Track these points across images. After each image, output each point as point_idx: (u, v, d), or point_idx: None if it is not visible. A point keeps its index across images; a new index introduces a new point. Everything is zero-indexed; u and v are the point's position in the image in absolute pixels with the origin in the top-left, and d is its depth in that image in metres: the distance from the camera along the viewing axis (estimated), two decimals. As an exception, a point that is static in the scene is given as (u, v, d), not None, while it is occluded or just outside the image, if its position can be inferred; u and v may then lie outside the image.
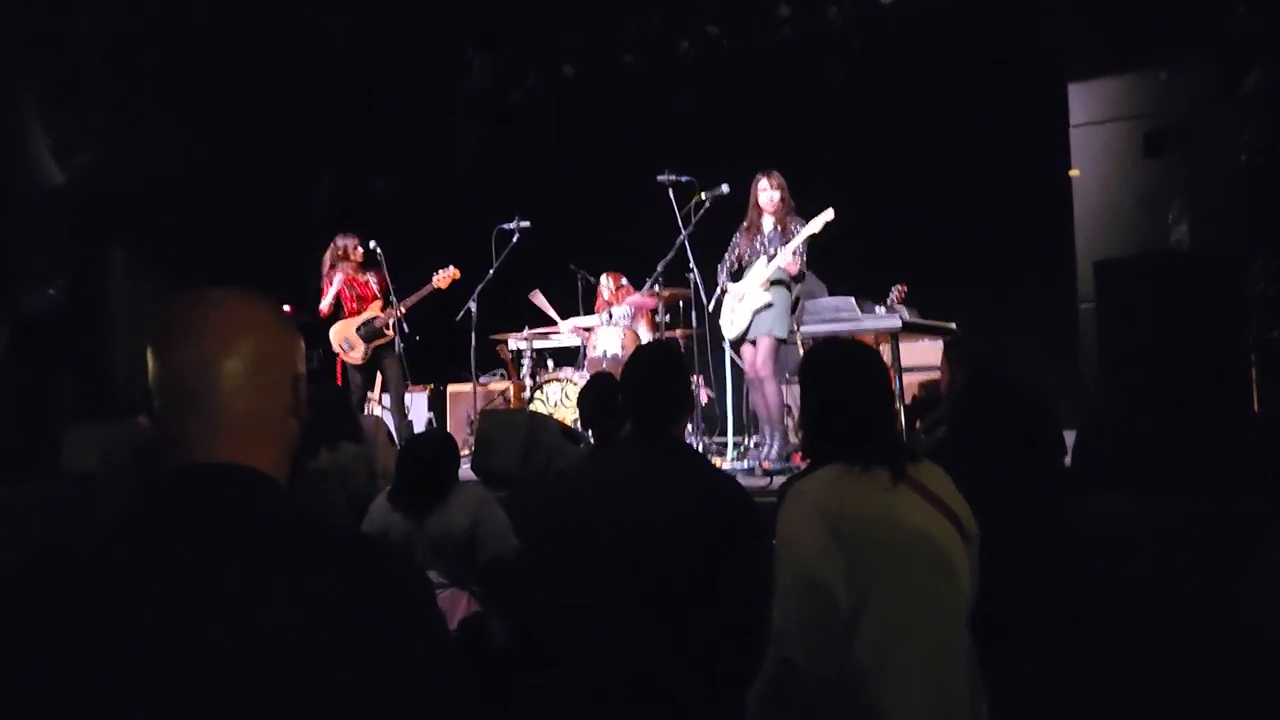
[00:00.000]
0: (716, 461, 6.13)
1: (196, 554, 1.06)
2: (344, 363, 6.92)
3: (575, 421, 5.87)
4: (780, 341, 5.85)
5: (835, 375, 2.21)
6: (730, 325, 6.06)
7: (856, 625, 1.92)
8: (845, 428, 2.12)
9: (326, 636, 1.03)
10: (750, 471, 5.59)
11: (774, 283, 5.89)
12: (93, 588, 1.05)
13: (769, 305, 5.85)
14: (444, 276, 6.86)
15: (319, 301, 6.89)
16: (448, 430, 7.49)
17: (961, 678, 1.99)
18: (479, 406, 7.41)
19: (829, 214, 5.79)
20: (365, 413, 6.70)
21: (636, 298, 7.02)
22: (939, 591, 1.99)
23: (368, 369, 6.90)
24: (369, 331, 6.82)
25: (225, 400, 1.15)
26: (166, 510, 1.12)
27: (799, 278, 5.92)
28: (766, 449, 5.82)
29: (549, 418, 5.74)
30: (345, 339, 6.83)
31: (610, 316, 7.06)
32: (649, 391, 2.51)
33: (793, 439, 5.88)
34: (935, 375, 6.29)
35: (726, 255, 6.14)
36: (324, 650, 1.03)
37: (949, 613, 2.00)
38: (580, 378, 6.74)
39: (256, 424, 1.17)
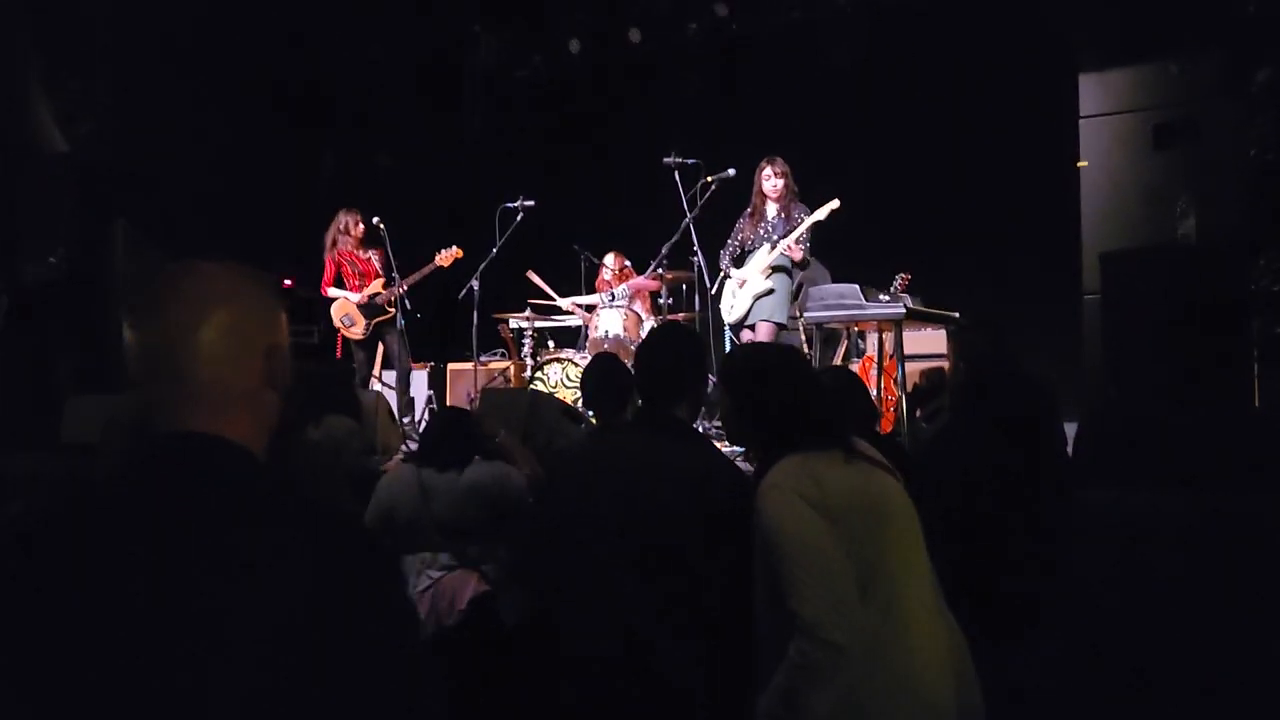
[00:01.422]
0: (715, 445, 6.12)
1: (162, 521, 1.08)
2: (345, 338, 6.96)
3: (576, 402, 5.87)
4: (780, 327, 5.86)
5: (769, 374, 2.28)
6: (731, 310, 6.06)
7: (864, 595, 1.97)
8: (796, 419, 2.18)
9: (286, 607, 1.04)
10: (748, 456, 5.59)
11: (775, 269, 5.89)
12: (62, 556, 1.07)
13: (770, 291, 5.86)
14: (446, 255, 6.88)
15: (321, 276, 6.92)
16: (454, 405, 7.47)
17: (947, 625, 2.08)
18: (479, 385, 7.41)
19: (834, 203, 5.79)
20: (368, 389, 6.70)
21: (638, 280, 7.00)
22: (915, 548, 2.09)
23: (369, 345, 6.95)
24: (370, 308, 6.84)
25: (196, 369, 1.16)
26: (137, 478, 1.13)
27: (803, 264, 5.92)
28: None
29: (550, 397, 5.74)
30: (346, 314, 6.86)
31: (612, 297, 7.05)
32: (659, 371, 2.52)
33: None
34: (937, 364, 6.30)
35: (730, 240, 6.14)
36: (283, 620, 1.03)
37: (925, 566, 2.10)
38: (581, 358, 6.73)
39: (228, 393, 1.18)
